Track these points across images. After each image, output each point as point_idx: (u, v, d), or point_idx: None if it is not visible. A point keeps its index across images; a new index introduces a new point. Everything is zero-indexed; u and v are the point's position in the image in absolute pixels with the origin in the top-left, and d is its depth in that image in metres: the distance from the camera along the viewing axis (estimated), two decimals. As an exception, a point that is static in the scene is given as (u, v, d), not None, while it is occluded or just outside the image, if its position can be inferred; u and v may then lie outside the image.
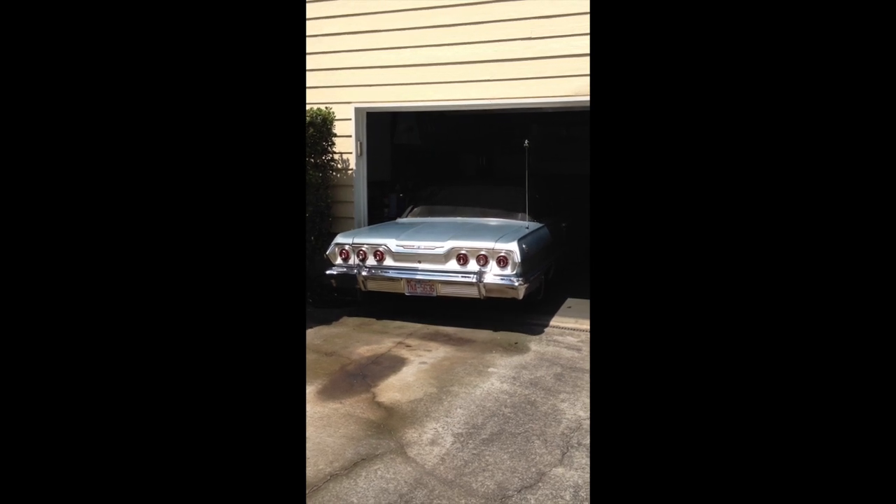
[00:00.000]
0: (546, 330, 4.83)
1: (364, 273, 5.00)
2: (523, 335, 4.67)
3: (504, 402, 3.42)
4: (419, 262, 4.89)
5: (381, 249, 5.00)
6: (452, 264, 4.79)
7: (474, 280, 4.64)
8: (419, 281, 4.82)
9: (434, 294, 4.81)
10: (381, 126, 7.81)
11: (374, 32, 5.87)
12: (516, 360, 4.13)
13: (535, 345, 4.47)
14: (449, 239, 4.86)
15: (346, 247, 5.14)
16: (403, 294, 4.93)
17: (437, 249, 4.82)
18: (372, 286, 5.05)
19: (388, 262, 5.00)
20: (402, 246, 4.95)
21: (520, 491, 2.50)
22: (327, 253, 5.26)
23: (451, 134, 9.85)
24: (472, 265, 4.72)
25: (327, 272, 5.20)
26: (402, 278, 4.89)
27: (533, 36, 5.29)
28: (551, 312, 5.22)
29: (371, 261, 5.05)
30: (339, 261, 5.19)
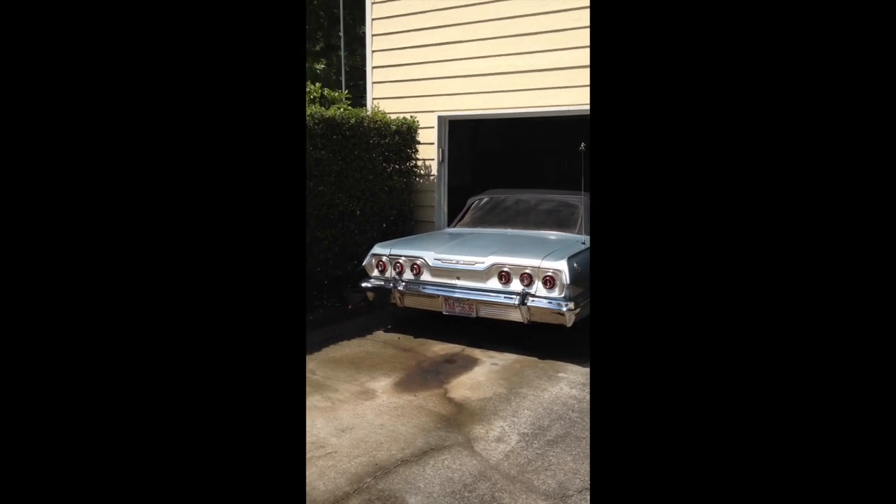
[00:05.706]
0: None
1: (400, 287, 4.59)
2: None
3: (572, 406, 3.48)
4: (458, 278, 4.44)
5: (418, 262, 4.58)
6: (494, 283, 4.31)
7: (517, 302, 4.12)
8: (457, 299, 4.39)
9: (474, 315, 4.36)
10: (464, 132, 8.02)
11: (456, 43, 6.08)
12: (588, 367, 4.17)
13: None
14: (491, 254, 4.38)
15: (384, 258, 4.73)
16: (441, 313, 4.48)
17: (476, 265, 4.36)
18: (409, 302, 4.64)
19: (426, 276, 4.56)
20: (440, 260, 4.50)
21: (580, 492, 2.57)
22: (364, 264, 4.87)
23: (532, 139, 9.88)
24: (516, 285, 4.22)
25: (362, 284, 4.83)
26: (439, 295, 4.46)
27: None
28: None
29: (408, 274, 4.62)
30: (375, 272, 4.80)
